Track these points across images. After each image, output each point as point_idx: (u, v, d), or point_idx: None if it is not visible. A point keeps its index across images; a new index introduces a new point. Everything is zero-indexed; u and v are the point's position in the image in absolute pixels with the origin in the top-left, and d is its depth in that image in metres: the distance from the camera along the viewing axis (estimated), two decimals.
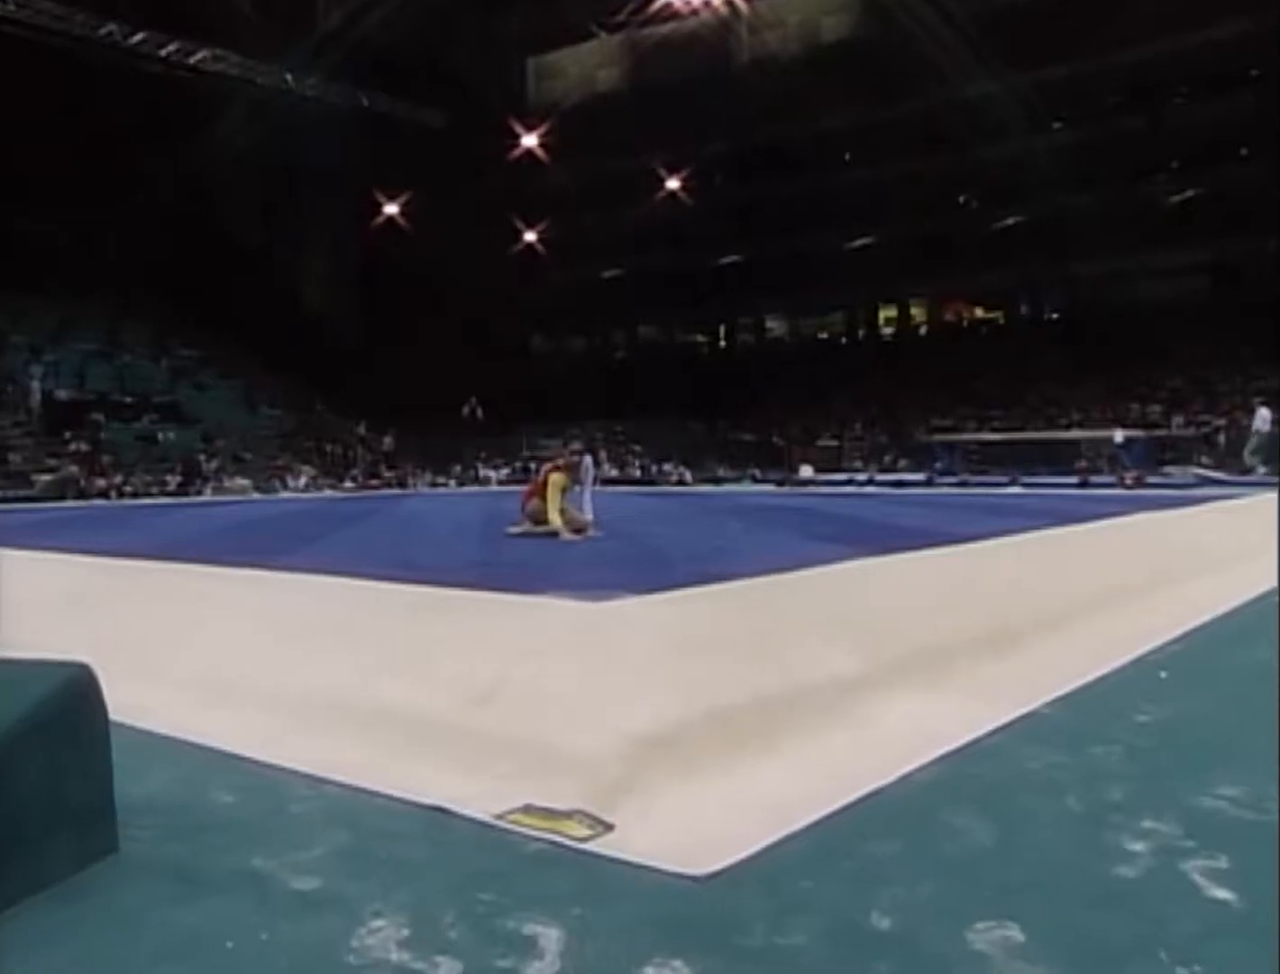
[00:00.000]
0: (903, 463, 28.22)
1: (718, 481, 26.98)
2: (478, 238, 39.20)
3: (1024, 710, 2.75)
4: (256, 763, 2.38)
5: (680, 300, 42.83)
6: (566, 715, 2.41)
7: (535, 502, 7.47)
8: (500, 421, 32.60)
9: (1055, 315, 37.82)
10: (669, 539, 7.61)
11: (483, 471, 29.58)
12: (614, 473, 29.75)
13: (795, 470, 26.87)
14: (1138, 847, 1.86)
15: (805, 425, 34.37)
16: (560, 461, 7.70)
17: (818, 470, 26.21)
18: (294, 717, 2.66)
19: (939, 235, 36.54)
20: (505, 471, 29.71)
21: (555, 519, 7.21)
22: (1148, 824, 1.96)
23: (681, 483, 26.61)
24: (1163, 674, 3.20)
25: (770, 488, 23.36)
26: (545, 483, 7.42)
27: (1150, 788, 2.17)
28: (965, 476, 22.85)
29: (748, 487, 25.66)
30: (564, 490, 7.43)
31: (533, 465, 24.52)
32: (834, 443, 32.28)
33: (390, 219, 37.14)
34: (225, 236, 35.90)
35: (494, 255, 39.10)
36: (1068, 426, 27.79)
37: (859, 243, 39.47)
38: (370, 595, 4.15)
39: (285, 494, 22.76)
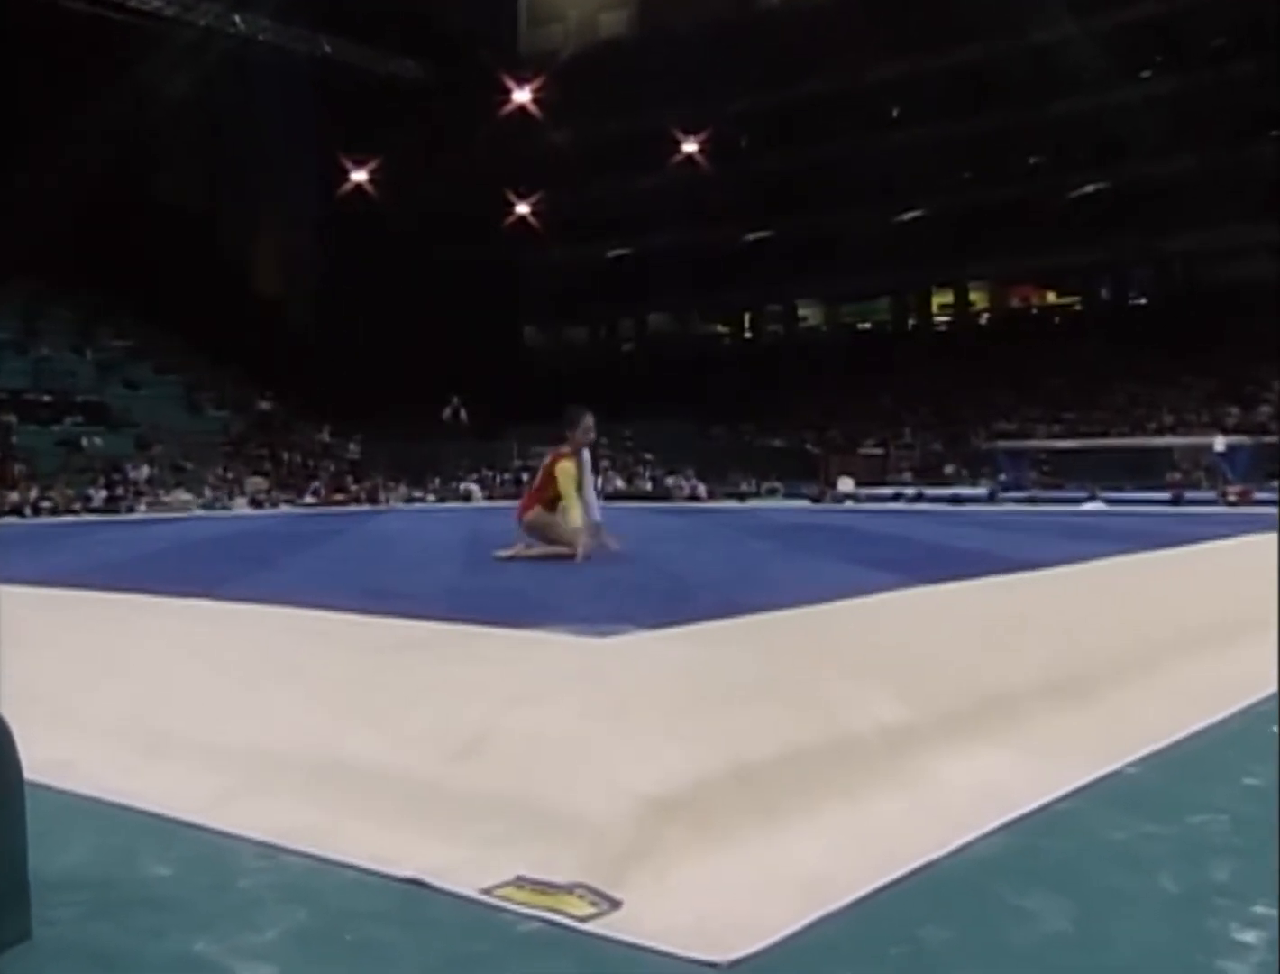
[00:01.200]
0: (960, 475, 28.26)
1: (742, 496, 27.08)
2: (461, 211, 39.45)
3: (1106, 770, 2.75)
4: (199, 829, 2.39)
5: (698, 284, 43.11)
6: (566, 771, 2.42)
7: (536, 511, 7.22)
8: (487, 425, 32.78)
9: (1143, 301, 37.86)
10: (685, 563, 7.63)
11: (464, 485, 29.64)
12: (620, 485, 29.86)
13: (833, 483, 26.93)
14: (1248, 937, 1.84)
15: (845, 431, 34.50)
16: (567, 448, 7.20)
17: (859, 483, 26.26)
18: (244, 774, 2.67)
19: (1004, 206, 36.63)
20: (490, 484, 29.84)
21: (575, 519, 6.92)
22: (1259, 909, 1.94)
23: (694, 498, 26.65)
24: (1275, 729, 3.19)
25: (804, 504, 23.39)
26: (551, 474, 7.10)
27: (1262, 866, 2.15)
28: (1034, 491, 22.84)
29: (777, 502, 25.69)
30: (579, 485, 7.11)
31: (524, 476, 24.60)
32: (879, 451, 32.40)
33: (358, 187, 37.35)
34: (162, 207, 36.20)
35: (480, 232, 39.38)
36: (1158, 432, 27.76)
37: (909, 216, 39.69)
38: (335, 630, 4.17)
39: (235, 510, 22.84)
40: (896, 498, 23.19)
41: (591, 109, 39.86)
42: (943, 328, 41.83)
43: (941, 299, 42.62)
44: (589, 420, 7.27)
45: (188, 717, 3.06)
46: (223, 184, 39.74)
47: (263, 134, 38.49)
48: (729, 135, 40.47)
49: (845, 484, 26.34)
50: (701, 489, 27.15)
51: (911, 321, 43.05)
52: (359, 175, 37.34)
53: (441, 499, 28.05)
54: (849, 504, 22.84)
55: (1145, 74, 33.65)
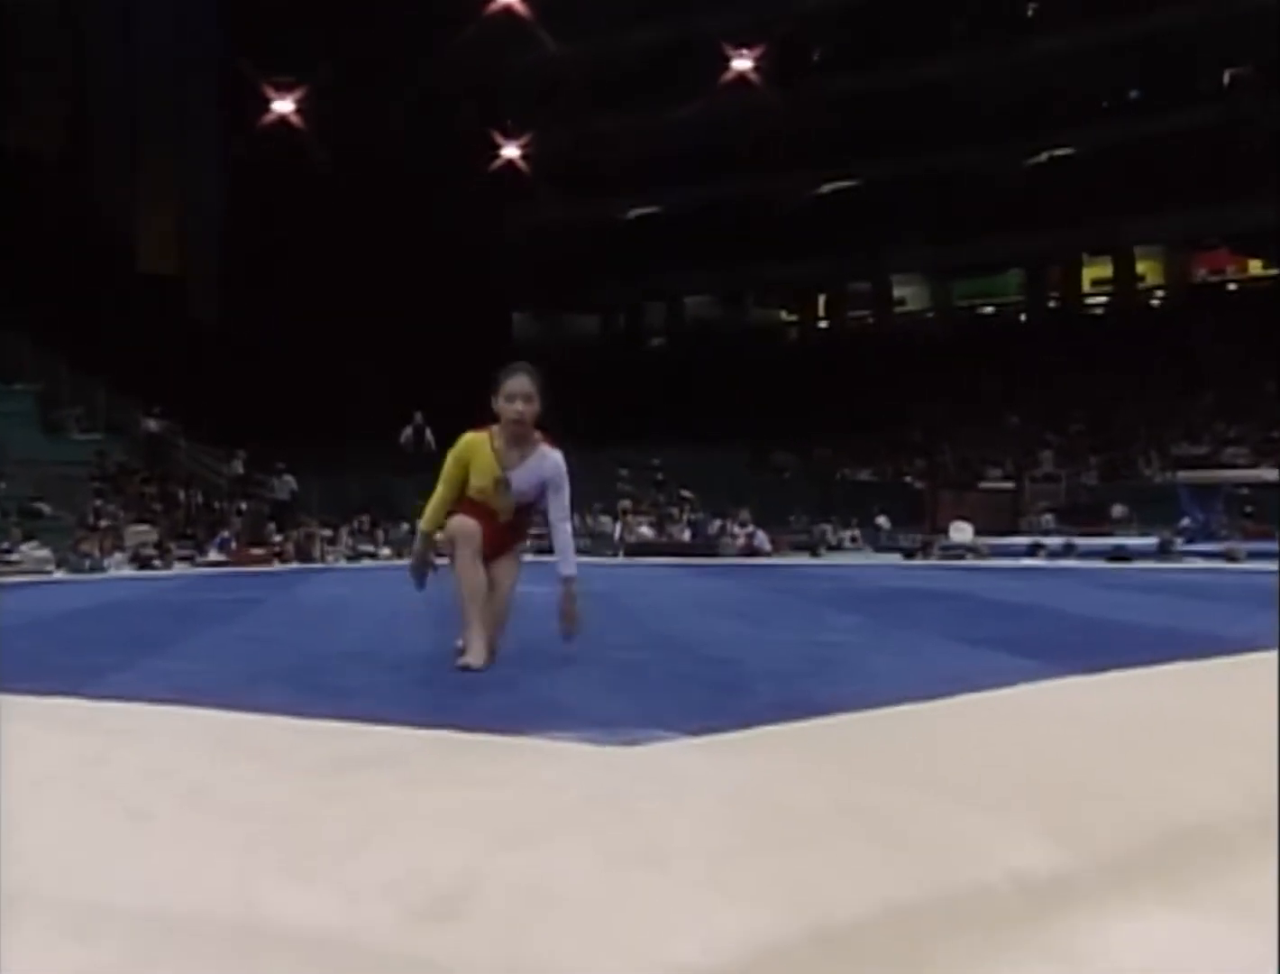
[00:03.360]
0: (1125, 518, 28.12)
1: (815, 549, 27.10)
2: (425, 153, 39.79)
3: None
4: None
5: (754, 254, 43.43)
6: (576, 936, 2.44)
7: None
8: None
9: None
10: (738, 644, 7.66)
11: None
12: (647, 534, 29.91)
13: (943, 530, 26.91)
14: None
15: (959, 457, 34.51)
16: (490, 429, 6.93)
17: (980, 531, 26.24)
18: (125, 945, 2.70)
19: (1185, 139, 36.61)
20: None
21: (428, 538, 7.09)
22: None
23: (753, 552, 26.68)
24: None
25: (902, 559, 23.31)
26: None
27: None
28: (1233, 542, 22.69)
29: (865, 557, 25.58)
30: (458, 483, 6.88)
31: None
32: (1007, 486, 32.38)
33: (281, 122, 37.77)
34: (3, 151, 36.65)
35: (452, 181, 39.74)
36: None
37: (1049, 155, 39.93)
38: (255, 740, 4.21)
39: (111, 572, 23.01)
40: (1033, 551, 23.15)
41: (605, 12, 40.33)
42: (1098, 311, 41.95)
43: (1096, 271, 42.78)
44: (514, 383, 6.68)
45: (53, 868, 3.09)
46: (90, 118, 40.23)
47: (144, 47, 39.09)
48: (797, 46, 40.86)
49: (960, 531, 26.31)
50: (761, 539, 27.19)
51: (1052, 303, 43.18)
52: (282, 105, 37.76)
53: (399, 553, 28.11)
54: (966, 560, 22.79)
55: None
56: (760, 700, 5.03)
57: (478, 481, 6.60)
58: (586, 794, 3.34)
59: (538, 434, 6.76)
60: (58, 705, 4.94)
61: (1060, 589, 13.20)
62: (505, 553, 6.87)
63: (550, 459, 6.73)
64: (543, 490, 6.80)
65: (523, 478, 6.63)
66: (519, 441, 6.62)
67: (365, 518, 30.34)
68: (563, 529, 6.76)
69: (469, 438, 6.77)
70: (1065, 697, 4.97)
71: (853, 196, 43.68)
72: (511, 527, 6.82)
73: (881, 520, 30.25)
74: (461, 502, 6.73)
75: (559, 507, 6.74)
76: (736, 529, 28.65)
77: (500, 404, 6.69)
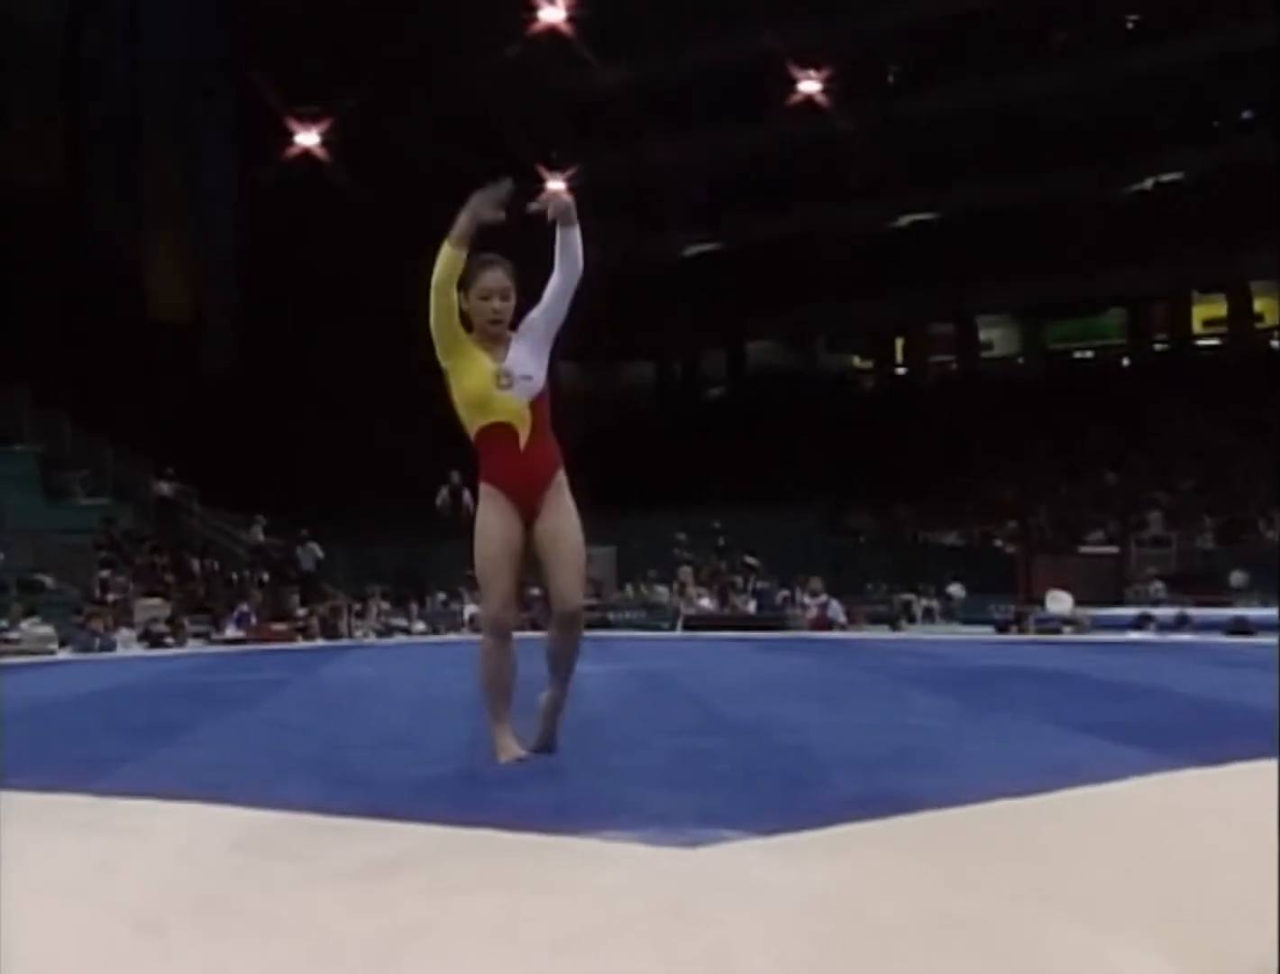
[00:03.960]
0: (1244, 586, 27.79)
1: (895, 621, 26.96)
2: (461, 188, 39.77)
3: None
4: None
5: (823, 293, 43.48)
6: None
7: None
8: None
9: None
10: (812, 729, 7.58)
11: (472, 607, 29.80)
12: (707, 604, 29.81)
13: (1039, 601, 26.69)
14: None
15: (1056, 518, 34.25)
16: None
17: (1081, 601, 25.98)
18: None
19: None
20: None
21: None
22: None
23: (826, 625, 26.55)
24: None
25: (993, 633, 23.13)
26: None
27: None
28: None
29: (952, 630, 25.34)
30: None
31: None
32: (1111, 550, 32.08)
33: (305, 152, 38.12)
34: None
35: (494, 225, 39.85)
36: None
37: (1150, 182, 39.83)
38: (280, 840, 4.20)
39: (120, 650, 23.13)
40: (1141, 624, 22.82)
41: (657, 31, 40.61)
42: (1210, 354, 41.65)
43: (1208, 310, 42.54)
44: (490, 278, 6.14)
45: None
46: (93, 151, 40.69)
47: (152, 69, 39.55)
48: (870, 65, 41.00)
49: (1059, 602, 26.06)
50: (835, 610, 27.02)
51: (1159, 346, 42.94)
52: (306, 136, 38.15)
53: (434, 629, 28.19)
54: (1066, 634, 22.53)
55: None
56: (838, 795, 4.97)
57: (471, 384, 6.15)
58: (645, 902, 3.31)
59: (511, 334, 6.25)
60: (62, 803, 4.95)
61: (1173, 667, 13.02)
62: (546, 494, 6.16)
63: (521, 326, 6.23)
64: (541, 357, 6.20)
65: (518, 359, 6.14)
66: (497, 340, 6.19)
67: (397, 589, 30.45)
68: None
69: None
70: (1183, 791, 4.92)
71: (934, 229, 43.63)
72: (538, 448, 6.18)
73: (955, 588, 30.01)
74: (475, 440, 6.18)
75: (548, 303, 6.27)
76: (807, 599, 28.50)
77: (473, 302, 6.13)
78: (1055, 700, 9.33)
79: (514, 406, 6.08)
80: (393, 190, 37.12)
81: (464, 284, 6.12)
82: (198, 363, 39.37)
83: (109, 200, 40.18)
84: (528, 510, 6.10)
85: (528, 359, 6.13)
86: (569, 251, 6.30)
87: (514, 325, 6.21)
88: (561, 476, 6.21)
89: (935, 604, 28.93)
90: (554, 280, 6.29)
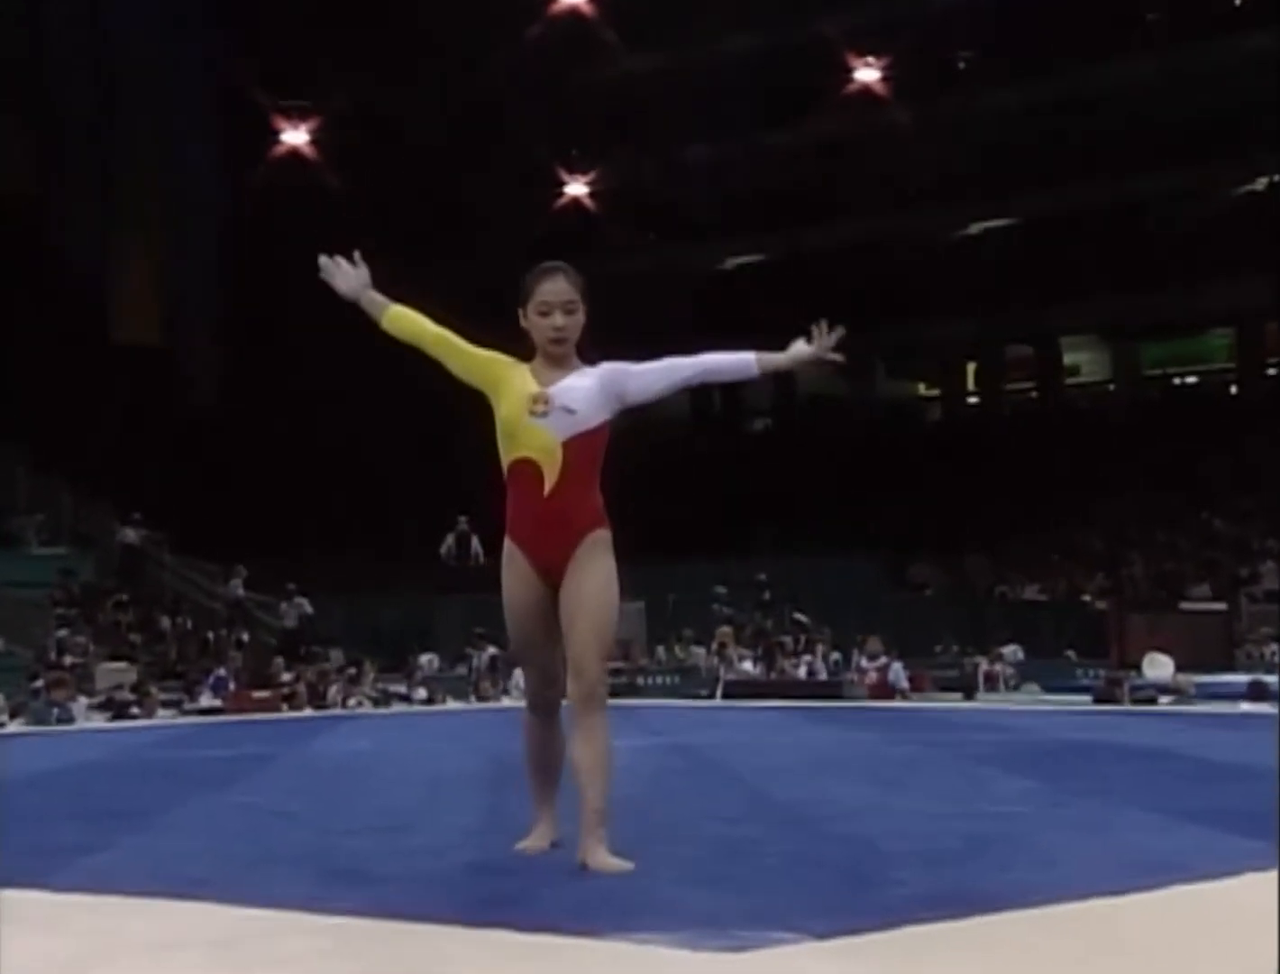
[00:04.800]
0: None
1: (967, 689, 26.84)
2: (469, 192, 40.03)
3: None
4: None
5: (882, 311, 43.33)
6: None
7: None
8: None
9: None
10: (874, 816, 7.56)
11: (479, 664, 29.78)
12: (751, 668, 29.70)
13: (1134, 665, 26.54)
14: None
15: (1154, 570, 34.06)
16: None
17: (1184, 665, 25.83)
18: None
19: None
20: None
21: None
22: None
23: (888, 692, 26.43)
24: None
25: (1082, 702, 23.00)
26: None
27: None
28: None
29: (1033, 699, 25.20)
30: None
31: None
32: (1217, 607, 31.85)
33: (293, 153, 38.31)
34: None
35: (502, 223, 39.87)
36: None
37: (1263, 182, 39.72)
38: (264, 944, 4.20)
39: (79, 722, 23.15)
40: (1255, 692, 22.66)
41: (694, 16, 40.67)
42: None
43: None
44: (550, 288, 5.95)
45: None
46: (54, 152, 40.86)
47: (122, 60, 39.76)
48: (936, 54, 41.00)
49: (1158, 666, 25.91)
50: (898, 675, 26.88)
51: (1272, 370, 42.73)
52: (295, 135, 38.36)
53: (431, 698, 28.08)
54: (1166, 703, 22.38)
55: None
56: (904, 892, 4.94)
57: (507, 409, 5.88)
58: None
59: (579, 361, 6.05)
60: (15, 900, 4.94)
61: None
62: (576, 554, 5.83)
63: (602, 366, 6.00)
64: (602, 402, 5.90)
65: (569, 392, 5.84)
66: (559, 365, 5.94)
67: (396, 651, 30.41)
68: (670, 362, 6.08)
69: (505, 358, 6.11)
70: None
71: (1010, 238, 43.66)
72: (568, 498, 5.83)
73: (1009, 650, 29.66)
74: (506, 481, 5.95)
75: (648, 367, 6.06)
76: (866, 663, 28.38)
77: (532, 318, 5.95)
78: (1154, 783, 9.29)
79: (543, 440, 5.80)
80: (397, 196, 37.29)
81: (521, 297, 5.96)
82: (170, 392, 39.43)
83: (71, 206, 40.30)
84: (552, 572, 5.85)
85: (582, 394, 5.85)
86: (731, 373, 6.36)
87: (594, 360, 6.01)
88: (599, 536, 5.91)
89: (1012, 669, 28.76)
90: (684, 361, 6.11)
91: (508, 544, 5.99)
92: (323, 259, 6.38)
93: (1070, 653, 30.41)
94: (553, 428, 5.78)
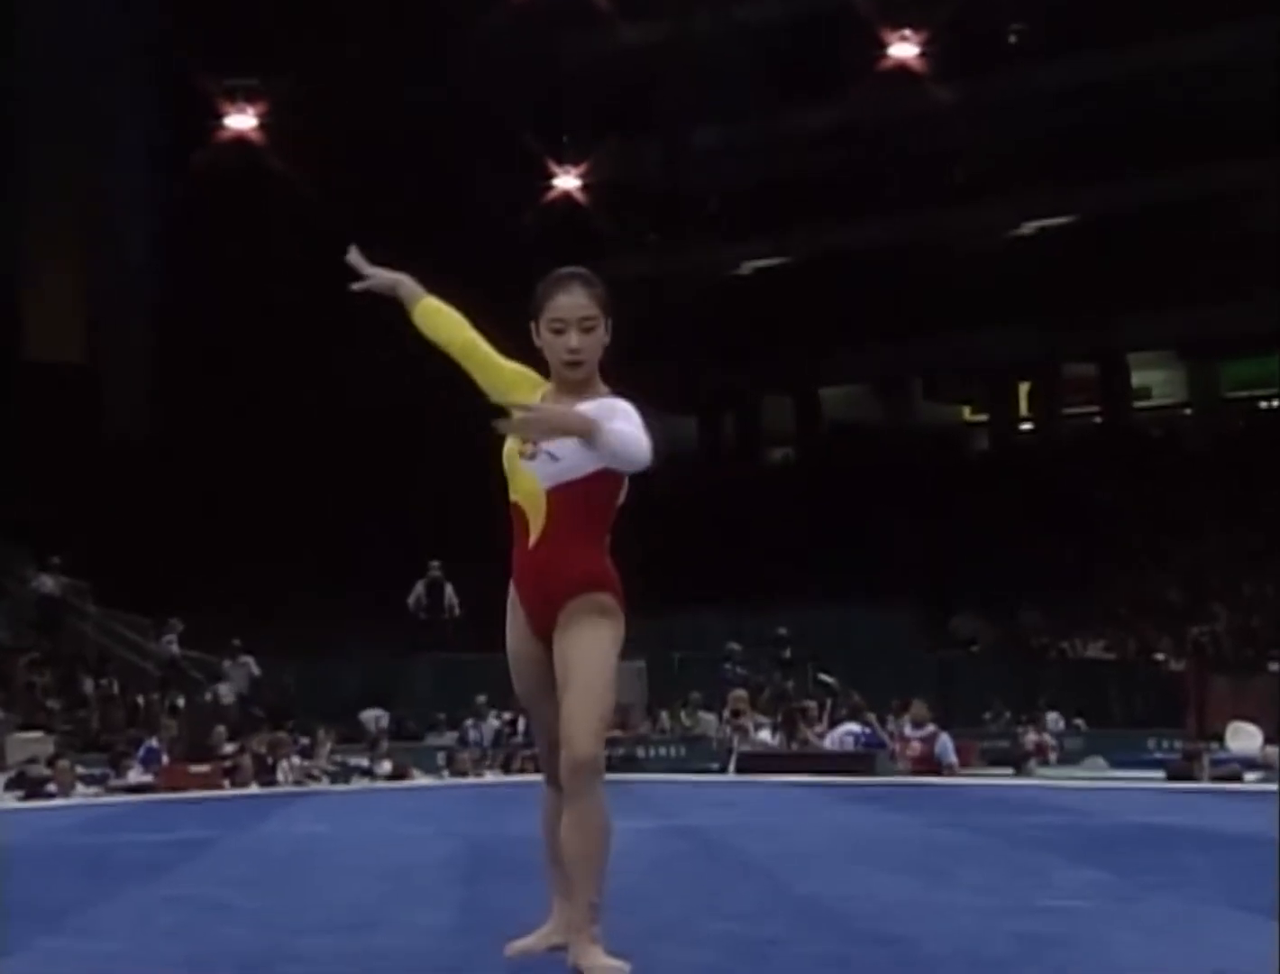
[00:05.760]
0: None
1: (1021, 762, 26.86)
2: (444, 187, 40.07)
3: None
4: None
5: (921, 323, 43.41)
6: None
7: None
8: (496, 618, 32.82)
9: None
10: (913, 912, 7.57)
11: (451, 737, 29.80)
12: (767, 737, 29.67)
13: (1216, 736, 26.54)
14: None
15: (1240, 626, 34.00)
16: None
17: (1274, 737, 25.83)
18: None
19: None
20: (504, 738, 29.86)
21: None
22: None
23: (931, 766, 26.42)
24: None
25: (1155, 778, 23.00)
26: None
27: None
28: None
29: (1096, 773, 25.17)
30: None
31: None
32: None
33: (239, 140, 38.39)
34: None
35: (483, 224, 39.90)
36: None
37: None
38: None
39: None
40: None
41: None
42: None
43: None
44: (564, 302, 5.80)
45: None
46: None
47: (43, 37, 39.99)
48: (984, 26, 41.11)
49: (1243, 737, 25.94)
50: (944, 747, 26.84)
51: None
52: (241, 119, 38.44)
53: (394, 775, 28.07)
54: (1251, 780, 22.37)
55: None
56: None
57: (510, 443, 5.88)
58: None
59: (605, 387, 5.91)
60: None
61: None
62: (568, 609, 5.79)
63: (610, 400, 5.81)
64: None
65: None
66: (576, 391, 5.82)
67: (356, 717, 30.37)
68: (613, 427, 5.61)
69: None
70: None
71: (1068, 238, 43.68)
72: (553, 552, 5.78)
73: (1051, 718, 29.65)
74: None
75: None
76: (908, 731, 28.40)
77: (545, 337, 5.84)
78: (1240, 874, 9.26)
79: (530, 486, 5.80)
80: (362, 196, 37.37)
81: (533, 312, 5.85)
82: (96, 418, 39.51)
83: None
84: (542, 629, 5.84)
85: (569, 449, 5.67)
86: (608, 455, 5.66)
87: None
88: (595, 600, 5.80)
89: (1053, 740, 28.75)
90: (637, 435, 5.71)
91: (510, 590, 6.00)
92: (353, 254, 6.28)
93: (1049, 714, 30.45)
94: (539, 473, 5.75)
